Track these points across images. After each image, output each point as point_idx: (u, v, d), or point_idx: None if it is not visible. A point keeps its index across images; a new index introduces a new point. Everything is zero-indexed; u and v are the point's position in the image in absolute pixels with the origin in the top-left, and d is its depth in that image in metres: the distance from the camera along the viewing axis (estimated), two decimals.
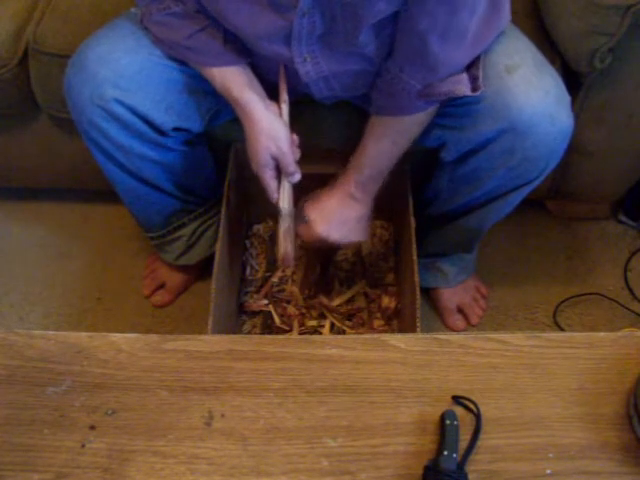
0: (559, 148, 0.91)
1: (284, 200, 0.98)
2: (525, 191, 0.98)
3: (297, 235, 1.02)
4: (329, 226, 0.99)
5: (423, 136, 0.97)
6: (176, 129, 1.00)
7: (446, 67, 0.82)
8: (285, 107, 0.95)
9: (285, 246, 0.99)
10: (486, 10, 0.80)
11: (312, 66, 0.89)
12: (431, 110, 0.90)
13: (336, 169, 1.11)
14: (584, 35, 0.97)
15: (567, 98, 0.90)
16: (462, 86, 0.84)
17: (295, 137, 0.95)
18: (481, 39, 0.83)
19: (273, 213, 0.99)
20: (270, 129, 0.91)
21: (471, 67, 0.85)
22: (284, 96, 0.95)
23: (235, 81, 0.91)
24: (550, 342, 0.69)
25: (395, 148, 0.94)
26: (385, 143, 0.94)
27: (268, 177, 0.95)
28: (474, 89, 0.85)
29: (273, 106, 0.93)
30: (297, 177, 0.96)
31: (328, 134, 1.12)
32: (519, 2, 1.10)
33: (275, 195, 0.97)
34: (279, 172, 0.96)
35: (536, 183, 0.97)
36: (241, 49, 0.91)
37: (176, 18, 0.88)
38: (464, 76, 0.84)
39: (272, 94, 0.95)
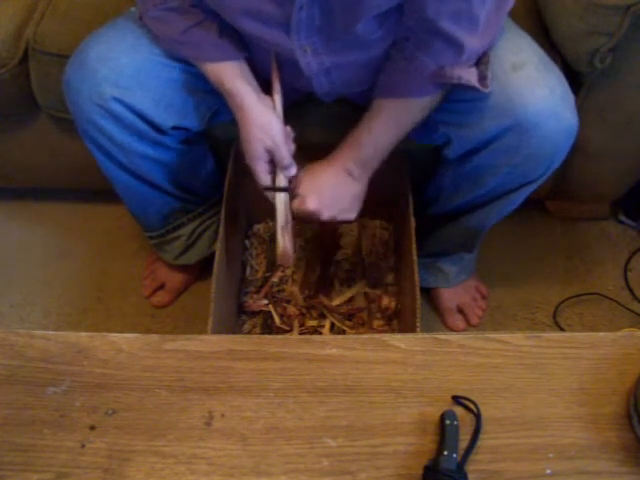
0: (563, 146, 0.91)
1: (280, 195, 0.95)
2: (528, 190, 0.98)
3: (292, 212, 0.97)
4: (322, 201, 0.95)
5: (428, 134, 0.96)
6: (175, 128, 1.00)
7: (462, 49, 0.81)
8: (278, 98, 0.94)
9: (283, 243, 0.97)
10: None
11: (313, 57, 0.88)
12: (437, 96, 0.88)
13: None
14: (584, 35, 0.97)
15: (572, 97, 0.90)
16: (472, 76, 0.84)
17: (289, 129, 0.93)
18: (492, 25, 0.82)
19: (273, 213, 0.98)
20: (263, 121, 0.90)
21: (480, 65, 0.85)
22: (277, 87, 0.94)
23: (229, 74, 0.91)
24: (550, 342, 0.69)
25: (398, 130, 0.92)
26: (389, 124, 0.91)
27: (262, 171, 0.93)
28: (482, 86, 0.85)
29: (267, 99, 0.93)
30: (293, 171, 0.94)
31: (329, 133, 1.12)
32: (519, 2, 1.10)
33: (270, 192, 0.95)
34: (274, 167, 0.94)
35: (539, 182, 0.96)
36: (237, 44, 0.91)
37: (172, 13, 0.88)
38: (474, 70, 0.84)
39: (269, 90, 0.94)
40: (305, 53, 0.87)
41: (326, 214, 0.96)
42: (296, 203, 0.95)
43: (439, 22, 0.78)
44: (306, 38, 0.85)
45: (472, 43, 0.81)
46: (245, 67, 0.92)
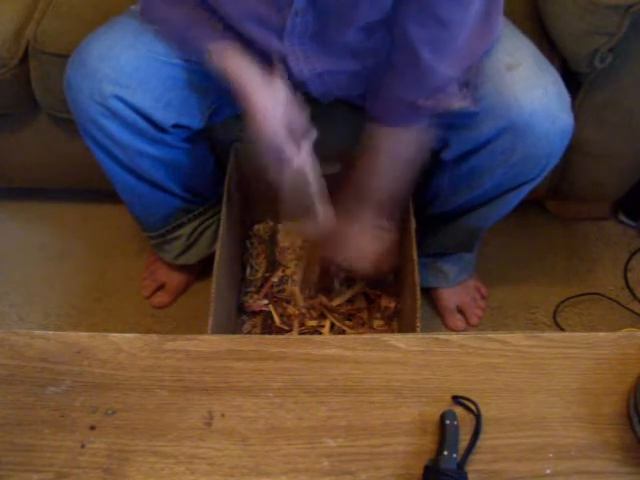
0: (559, 146, 0.92)
1: (307, 161, 0.90)
2: (525, 190, 0.98)
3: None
4: (373, 263, 1.02)
5: None
6: (176, 126, 1.00)
7: (437, 78, 0.82)
8: (280, 78, 0.88)
9: (321, 209, 0.95)
10: (479, 24, 0.80)
11: (305, 63, 0.89)
12: (424, 128, 0.90)
13: (342, 170, 1.10)
14: (584, 35, 0.97)
15: (567, 97, 0.91)
16: (453, 98, 0.85)
17: (299, 97, 0.88)
18: (472, 52, 0.84)
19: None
20: (273, 95, 0.86)
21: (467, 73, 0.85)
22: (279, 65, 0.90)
23: (231, 56, 0.87)
24: (550, 342, 0.69)
25: (405, 171, 0.94)
26: (390, 172, 0.94)
27: (282, 140, 0.87)
28: (464, 97, 0.85)
29: (269, 78, 0.87)
30: (314, 135, 0.90)
31: (328, 133, 1.12)
32: (519, 2, 1.10)
33: (298, 159, 0.89)
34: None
35: (536, 181, 0.97)
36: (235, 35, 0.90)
37: (172, 6, 0.89)
38: (454, 89, 0.85)
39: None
40: (297, 59, 0.88)
41: (384, 270, 1.07)
42: (356, 274, 1.06)
43: (419, 46, 0.79)
44: (299, 45, 0.85)
45: (447, 71, 0.82)
46: (245, 53, 0.91)
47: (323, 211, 0.96)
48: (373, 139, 0.93)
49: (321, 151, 0.99)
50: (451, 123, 0.93)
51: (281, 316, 1.20)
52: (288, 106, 0.88)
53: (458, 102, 0.85)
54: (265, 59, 0.92)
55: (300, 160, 0.90)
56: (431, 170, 1.07)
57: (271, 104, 0.87)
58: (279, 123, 0.87)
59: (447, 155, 0.98)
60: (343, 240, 1.01)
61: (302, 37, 0.84)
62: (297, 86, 0.97)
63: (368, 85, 0.92)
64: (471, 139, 0.92)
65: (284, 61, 0.89)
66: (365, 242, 1.00)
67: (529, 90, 0.86)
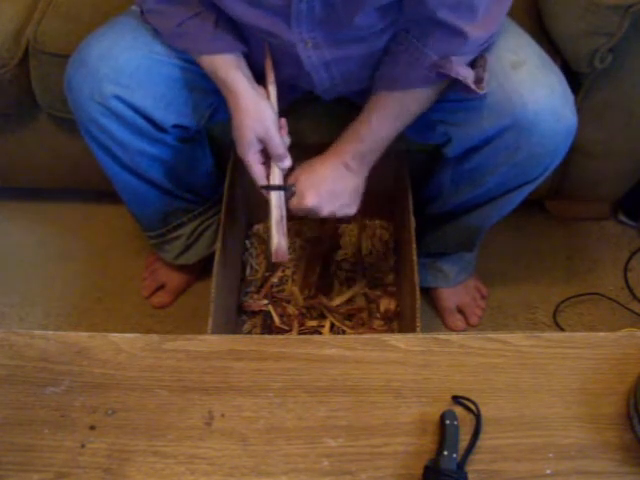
0: (563, 145, 0.91)
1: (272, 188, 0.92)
2: (528, 189, 0.98)
3: (288, 209, 0.94)
4: (321, 197, 0.91)
5: (428, 133, 0.96)
6: (176, 126, 1.00)
7: (463, 38, 0.81)
8: (273, 89, 0.93)
9: (278, 239, 0.92)
10: None
11: (313, 51, 0.88)
12: (437, 88, 0.88)
13: None
14: (584, 35, 0.97)
15: (571, 95, 0.90)
16: (470, 76, 0.84)
17: (284, 121, 0.92)
18: (494, 15, 0.82)
19: (267, 208, 0.95)
20: (255, 109, 0.89)
21: (476, 67, 0.85)
22: (271, 77, 0.93)
23: (223, 63, 0.90)
24: (550, 342, 0.69)
25: (398, 123, 0.90)
26: (388, 117, 0.90)
27: (253, 160, 0.90)
28: (478, 88, 0.85)
29: (260, 88, 0.91)
30: (287, 162, 0.91)
31: (328, 133, 1.12)
32: (519, 2, 1.10)
33: (264, 182, 0.92)
34: (268, 159, 0.92)
35: (539, 181, 0.97)
36: (234, 37, 0.90)
37: (169, 5, 0.88)
38: (472, 71, 0.84)
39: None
40: (306, 46, 0.87)
41: (325, 210, 0.93)
42: (295, 200, 0.92)
43: (438, 13, 0.78)
44: (308, 32, 0.84)
45: (473, 32, 0.81)
46: (241, 59, 0.91)
47: (277, 242, 0.92)
48: (383, 100, 0.89)
49: (321, 150, 1.00)
50: (454, 120, 0.93)
51: (281, 316, 1.20)
52: (270, 125, 0.89)
53: (471, 83, 0.83)
54: (261, 74, 0.93)
55: (263, 184, 0.92)
56: (433, 168, 1.07)
57: (259, 110, 0.89)
58: (255, 137, 0.89)
59: (450, 152, 0.98)
60: (306, 166, 0.93)
61: (311, 24, 0.83)
62: (303, 83, 0.97)
63: (384, 52, 0.89)
64: (474, 136, 0.92)
65: (292, 50, 0.88)
66: (325, 174, 0.92)
67: (535, 88, 0.86)
